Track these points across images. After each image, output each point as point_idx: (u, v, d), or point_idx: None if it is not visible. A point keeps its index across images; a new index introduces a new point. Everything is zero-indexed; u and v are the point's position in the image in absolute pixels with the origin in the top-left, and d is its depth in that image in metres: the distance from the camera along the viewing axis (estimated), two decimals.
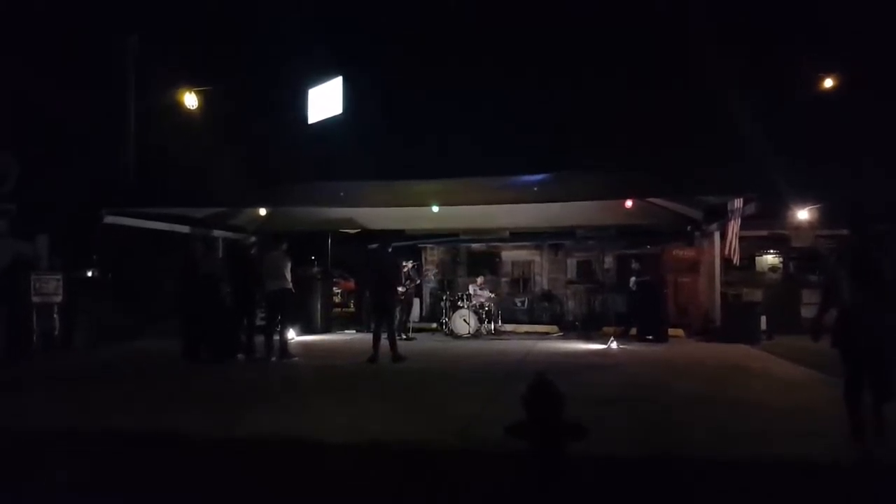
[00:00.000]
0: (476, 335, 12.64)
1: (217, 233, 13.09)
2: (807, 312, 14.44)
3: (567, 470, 3.59)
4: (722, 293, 12.76)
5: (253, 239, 12.33)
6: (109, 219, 11.31)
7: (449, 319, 13.12)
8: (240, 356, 9.11)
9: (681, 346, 11.39)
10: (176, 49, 13.37)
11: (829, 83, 11.28)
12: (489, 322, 13.35)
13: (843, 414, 5.60)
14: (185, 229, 12.65)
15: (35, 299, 10.91)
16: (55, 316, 11.28)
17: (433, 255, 17.38)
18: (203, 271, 9.11)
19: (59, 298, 11.33)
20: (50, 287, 11.21)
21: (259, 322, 9.79)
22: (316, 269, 14.73)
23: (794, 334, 12.58)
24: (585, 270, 16.46)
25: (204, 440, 4.52)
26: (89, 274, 14.02)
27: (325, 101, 13.79)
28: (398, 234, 14.93)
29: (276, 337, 9.25)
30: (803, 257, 15.44)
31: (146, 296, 13.15)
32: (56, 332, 11.25)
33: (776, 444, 4.31)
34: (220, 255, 9.82)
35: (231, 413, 5.55)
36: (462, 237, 16.66)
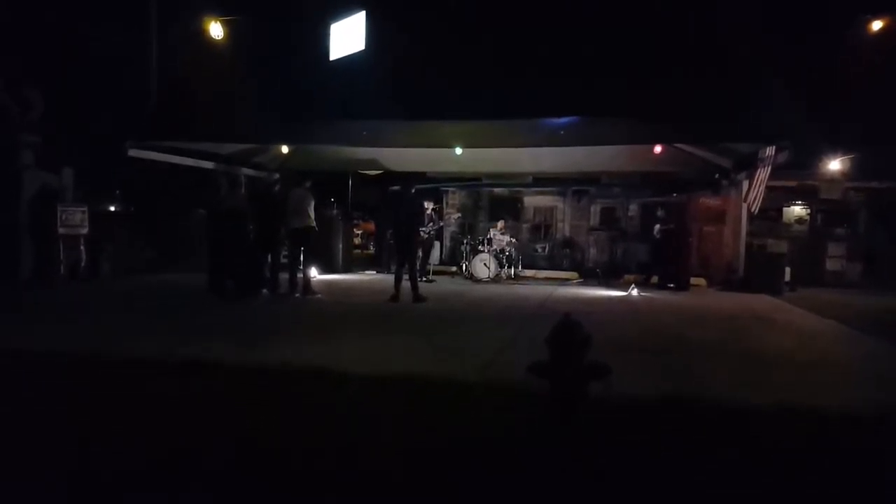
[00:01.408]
0: (496, 279, 12.68)
1: (240, 170, 13.10)
2: (831, 265, 14.30)
3: (587, 409, 3.64)
4: (747, 244, 12.61)
5: (277, 176, 12.32)
6: (133, 152, 11.33)
7: (469, 263, 13.15)
8: (264, 292, 9.27)
9: (702, 295, 11.34)
10: None
11: (876, 25, 10.69)
12: (509, 267, 13.36)
13: (866, 365, 5.60)
14: (209, 165, 12.67)
15: (61, 231, 11.10)
16: (81, 248, 11.50)
17: (455, 198, 17.30)
18: (228, 206, 9.17)
19: (84, 230, 11.52)
20: (76, 219, 11.39)
21: (282, 259, 9.92)
22: (336, 211, 14.77)
23: (818, 287, 12.50)
24: (609, 218, 16.32)
25: (229, 368, 4.62)
26: (112, 208, 14.21)
27: (348, 36, 13.45)
28: (420, 177, 14.85)
29: (300, 274, 9.38)
30: (832, 210, 15.15)
31: (170, 231, 13.32)
32: (82, 264, 11.50)
33: (797, 394, 4.30)
34: (244, 191, 9.86)
35: (256, 344, 5.67)
36: (485, 181, 16.54)
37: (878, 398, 4.30)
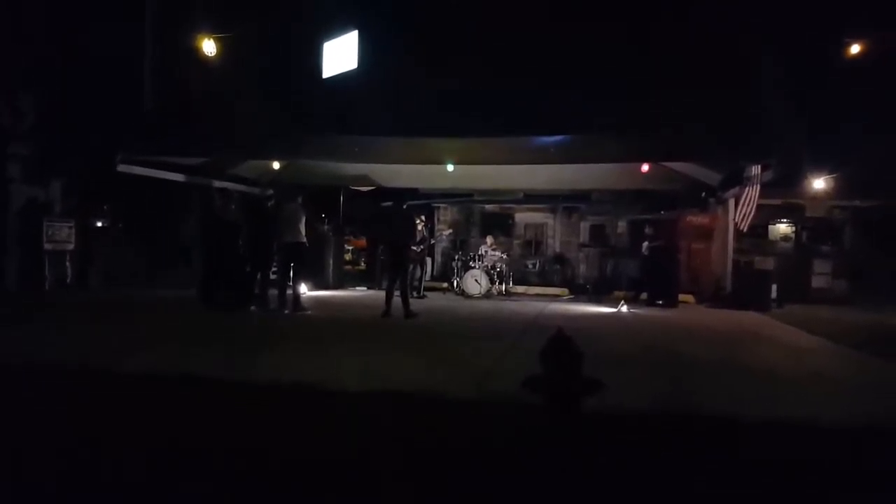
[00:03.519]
0: (487, 295, 12.72)
1: (232, 185, 13.12)
2: (817, 282, 14.47)
3: (581, 423, 3.66)
4: (734, 260, 12.76)
5: (270, 192, 12.35)
6: (123, 167, 11.30)
7: (460, 279, 13.19)
8: (253, 308, 9.21)
9: (691, 311, 11.43)
10: None
11: (854, 49, 10.94)
12: (500, 283, 13.42)
13: (854, 380, 5.67)
14: (199, 180, 12.66)
15: (47, 246, 11.03)
16: (67, 263, 11.42)
17: (446, 214, 17.40)
18: (221, 219, 9.19)
19: (71, 246, 11.46)
20: (62, 234, 11.34)
21: (272, 275, 9.89)
22: (327, 227, 14.79)
23: (804, 303, 12.64)
24: (598, 234, 16.48)
25: (219, 383, 4.58)
26: (99, 224, 14.16)
27: (340, 55, 13.59)
28: (412, 193, 14.93)
29: (289, 290, 9.35)
30: (817, 227, 15.39)
31: (160, 245, 13.28)
32: (68, 280, 11.41)
33: (787, 408, 4.35)
34: (235, 206, 9.89)
35: (246, 359, 5.63)
36: (476, 197, 16.65)
37: (870, 412, 4.33)
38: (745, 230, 11.64)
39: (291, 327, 8.03)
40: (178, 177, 12.40)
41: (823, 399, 4.82)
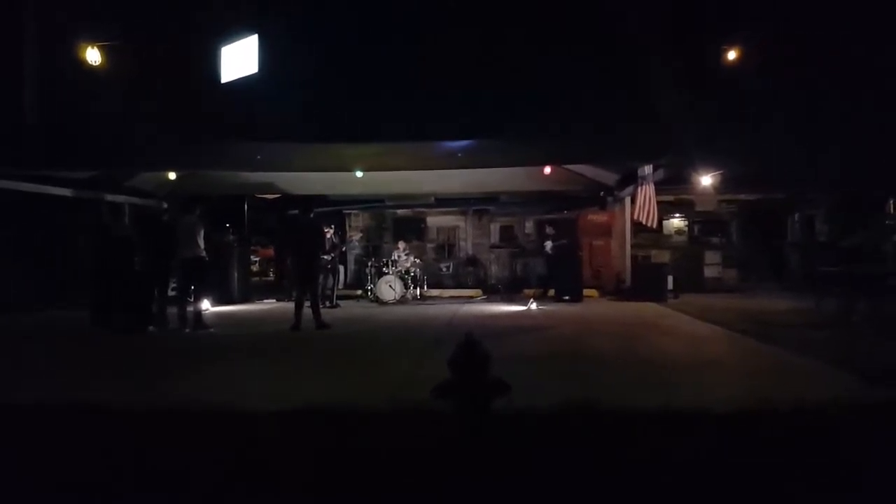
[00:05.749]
0: (402, 301, 12.70)
1: (125, 199, 12.39)
2: (709, 272, 15.49)
3: (492, 425, 3.73)
4: (632, 255, 13.44)
5: (165, 205, 11.77)
6: (2, 183, 10.43)
7: (374, 285, 13.10)
8: (151, 328, 8.69)
9: (595, 305, 11.93)
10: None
11: (731, 55, 11.78)
12: (415, 287, 13.44)
13: (745, 363, 6.11)
14: (90, 195, 11.89)
15: None
16: None
17: (357, 220, 17.23)
18: (113, 235, 8.62)
19: None
20: None
21: (171, 293, 9.39)
22: (232, 237, 14.24)
23: (698, 292, 13.50)
24: (508, 235, 16.88)
25: (122, 412, 4.32)
26: None
27: (240, 59, 13.12)
28: (321, 200, 14.68)
29: (190, 308, 8.92)
30: (707, 221, 16.46)
31: (50, 265, 12.33)
32: None
33: (684, 395, 4.61)
34: (128, 221, 9.32)
35: (148, 384, 5.34)
36: (387, 203, 16.60)
37: (759, 394, 4.63)
38: (653, 226, 12.19)
39: (193, 347, 7.66)
40: (65, 191, 11.58)
41: (717, 386, 5.15)
